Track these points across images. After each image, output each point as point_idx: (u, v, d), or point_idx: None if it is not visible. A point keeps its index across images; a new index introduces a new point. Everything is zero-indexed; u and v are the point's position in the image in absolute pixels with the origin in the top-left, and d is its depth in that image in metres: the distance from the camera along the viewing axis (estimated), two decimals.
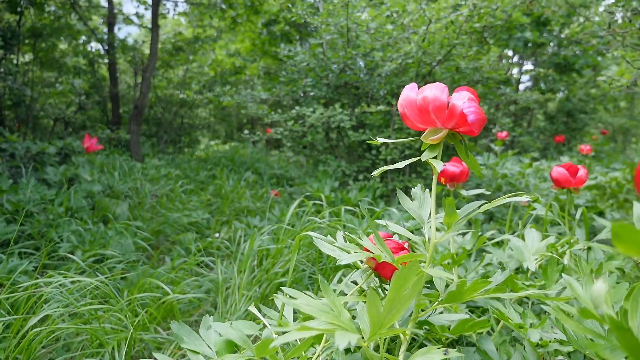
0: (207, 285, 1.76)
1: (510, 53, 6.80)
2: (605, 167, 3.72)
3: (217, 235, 2.72)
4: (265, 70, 7.12)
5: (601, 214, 2.58)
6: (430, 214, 0.78)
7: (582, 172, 1.30)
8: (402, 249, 0.75)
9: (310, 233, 0.74)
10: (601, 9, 3.08)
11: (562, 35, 5.26)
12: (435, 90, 0.67)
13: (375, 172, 0.66)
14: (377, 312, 0.51)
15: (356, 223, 1.90)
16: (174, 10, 6.23)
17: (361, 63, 3.29)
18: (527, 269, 1.12)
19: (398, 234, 0.82)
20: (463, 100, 0.67)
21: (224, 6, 5.82)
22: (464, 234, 1.43)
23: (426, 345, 1.06)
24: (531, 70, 6.34)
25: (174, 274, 1.81)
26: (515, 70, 6.95)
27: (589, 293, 0.47)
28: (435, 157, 0.69)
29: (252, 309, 0.70)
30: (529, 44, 5.66)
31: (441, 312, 1.09)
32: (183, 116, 6.91)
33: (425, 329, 0.98)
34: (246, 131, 4.40)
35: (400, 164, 0.67)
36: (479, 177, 0.70)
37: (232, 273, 1.68)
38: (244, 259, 1.51)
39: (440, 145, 0.70)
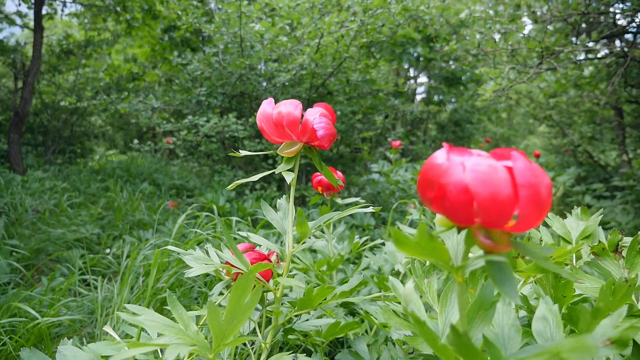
0: (90, 305, 1.66)
1: (407, 66, 7.24)
2: None
3: (108, 251, 2.57)
4: (167, 77, 6.87)
5: None
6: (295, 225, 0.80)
7: None
8: (264, 259, 0.77)
9: (171, 247, 0.74)
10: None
11: (444, 52, 5.72)
12: (289, 106, 0.71)
13: (230, 186, 0.67)
14: (219, 323, 0.52)
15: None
16: (62, 10, 5.79)
17: (262, 72, 3.30)
18: (398, 270, 1.20)
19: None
20: (315, 115, 0.71)
21: (118, 9, 5.52)
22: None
23: (311, 351, 1.09)
24: (424, 83, 6.79)
25: (51, 295, 1.68)
26: (412, 82, 7.41)
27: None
28: (291, 169, 0.72)
29: (107, 329, 0.68)
30: (421, 59, 6.07)
31: (321, 316, 1.13)
32: (74, 124, 6.43)
33: (304, 335, 1.00)
34: (136, 141, 4.20)
35: (254, 177, 0.69)
36: (335, 186, 0.75)
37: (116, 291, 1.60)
38: (125, 276, 1.45)
39: (296, 157, 0.73)
